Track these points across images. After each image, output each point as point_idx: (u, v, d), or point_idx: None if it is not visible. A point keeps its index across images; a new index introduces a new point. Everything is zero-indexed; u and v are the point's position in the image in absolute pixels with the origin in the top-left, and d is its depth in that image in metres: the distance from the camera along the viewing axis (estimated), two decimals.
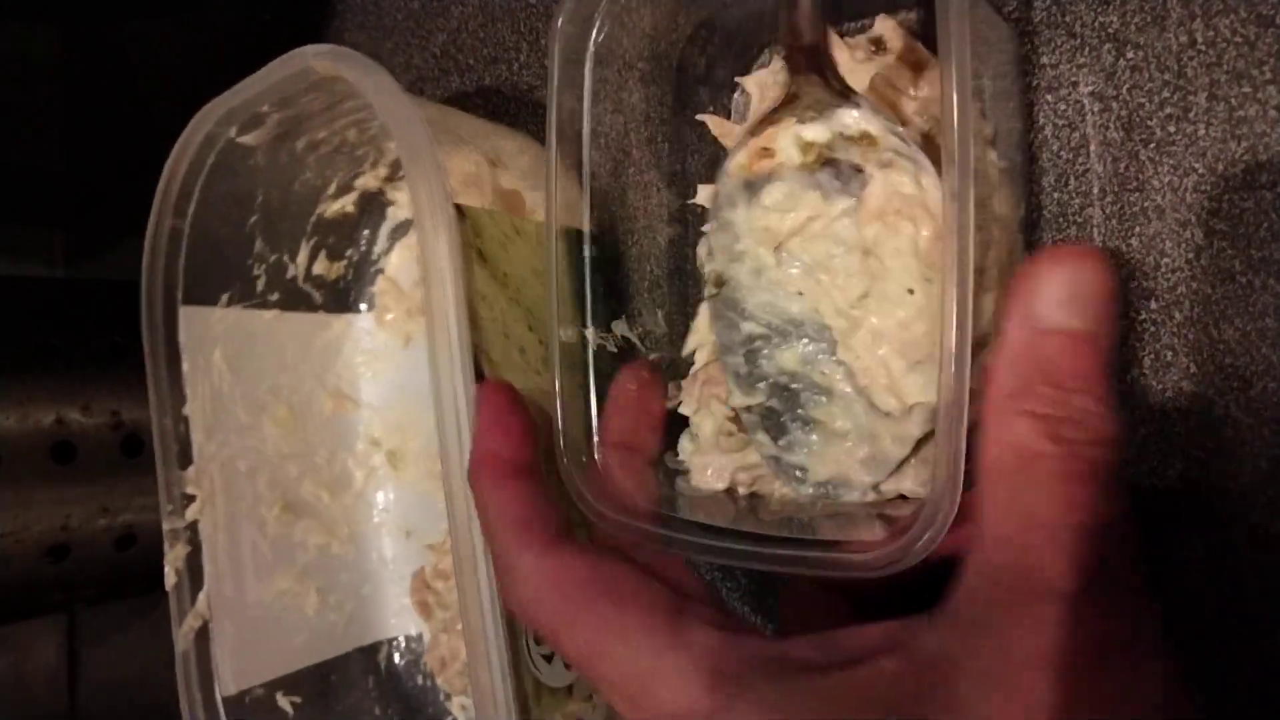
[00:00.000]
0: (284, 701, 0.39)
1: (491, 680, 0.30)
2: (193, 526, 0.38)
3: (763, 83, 0.34)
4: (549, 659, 0.33)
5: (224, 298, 0.40)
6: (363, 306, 0.44)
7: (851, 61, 0.31)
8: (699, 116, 0.35)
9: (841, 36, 0.32)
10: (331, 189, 0.41)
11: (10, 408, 0.46)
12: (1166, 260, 0.29)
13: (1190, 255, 0.28)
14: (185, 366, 0.38)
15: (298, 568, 0.41)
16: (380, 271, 0.43)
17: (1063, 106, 0.30)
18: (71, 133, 0.71)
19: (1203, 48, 0.28)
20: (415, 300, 0.43)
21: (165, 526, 0.38)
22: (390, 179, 0.42)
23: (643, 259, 0.35)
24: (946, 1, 0.23)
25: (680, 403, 0.35)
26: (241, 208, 0.39)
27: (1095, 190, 0.30)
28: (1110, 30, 0.29)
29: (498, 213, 0.35)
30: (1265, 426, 0.27)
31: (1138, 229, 0.29)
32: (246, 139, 0.37)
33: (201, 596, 0.38)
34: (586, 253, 0.33)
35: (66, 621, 0.69)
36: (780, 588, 0.36)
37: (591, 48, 0.32)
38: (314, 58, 0.32)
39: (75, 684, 0.69)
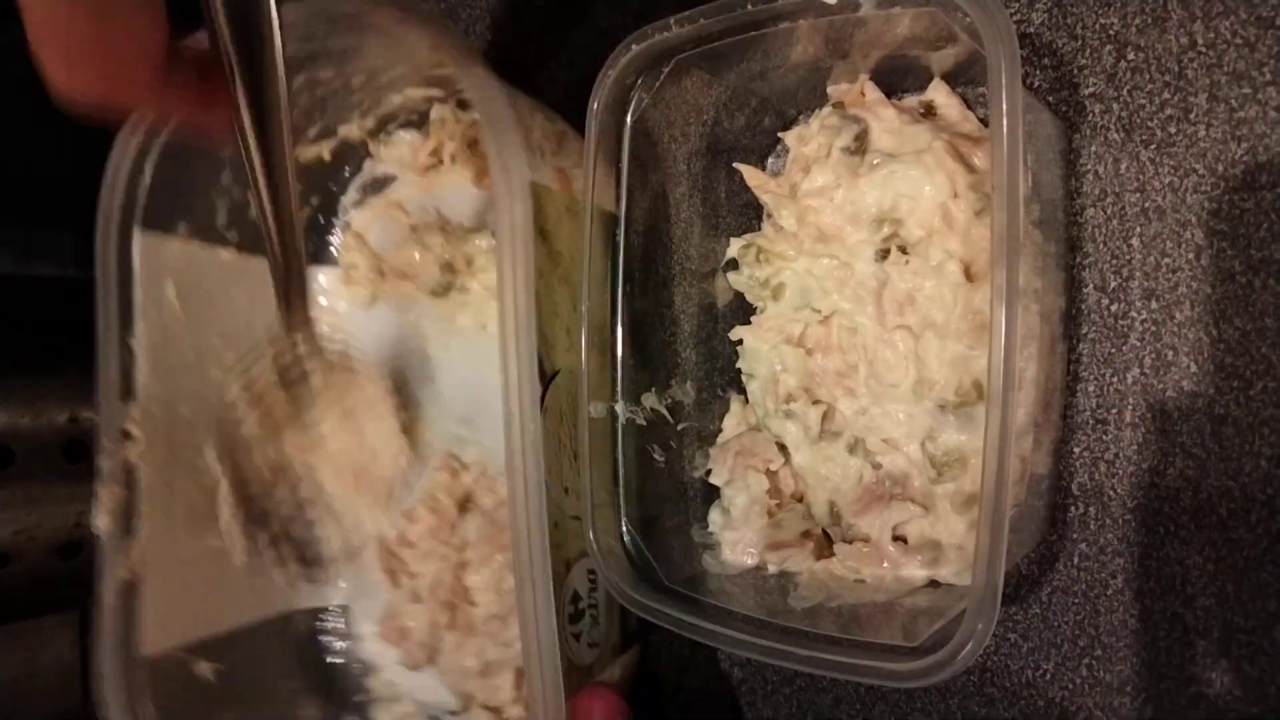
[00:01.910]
0: (204, 668, 0.37)
1: (541, 672, 0.30)
2: (130, 472, 0.35)
3: (802, 136, 0.34)
4: (577, 638, 0.33)
5: (182, 226, 0.37)
6: (326, 258, 0.42)
7: (899, 122, 0.31)
8: (736, 165, 0.35)
9: (891, 98, 0.32)
10: (313, 132, 0.39)
11: (23, 407, 0.46)
12: (1167, 260, 0.29)
13: (1190, 255, 0.28)
14: (137, 294, 0.36)
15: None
16: (347, 225, 0.41)
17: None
18: (78, 132, 0.71)
19: (1203, 49, 0.28)
20: (389, 260, 0.41)
21: (101, 463, 0.35)
22: (376, 132, 0.40)
23: (674, 327, 0.35)
24: (999, 76, 0.23)
25: (710, 471, 0.34)
26: None
27: (1096, 192, 0.30)
28: (1111, 32, 0.29)
29: (556, 190, 0.33)
30: (1265, 426, 0.27)
31: (1138, 229, 0.29)
32: None
33: (135, 546, 0.35)
34: (619, 329, 0.32)
35: (78, 618, 0.69)
36: None
37: (629, 121, 0.32)
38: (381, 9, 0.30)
39: (88, 680, 0.69)
